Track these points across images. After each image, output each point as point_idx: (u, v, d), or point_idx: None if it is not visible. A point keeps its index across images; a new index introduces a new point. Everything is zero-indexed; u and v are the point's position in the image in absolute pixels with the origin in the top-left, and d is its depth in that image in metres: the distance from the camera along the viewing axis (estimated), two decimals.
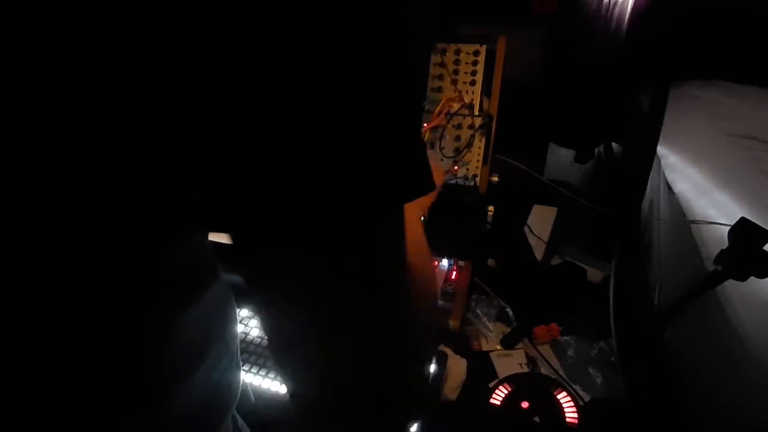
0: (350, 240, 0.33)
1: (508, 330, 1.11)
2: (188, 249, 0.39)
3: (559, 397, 0.94)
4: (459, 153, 1.22)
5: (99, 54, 0.26)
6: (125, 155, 0.28)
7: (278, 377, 0.90)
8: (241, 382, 0.54)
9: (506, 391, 0.96)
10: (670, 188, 1.07)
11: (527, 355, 1.06)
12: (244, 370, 0.92)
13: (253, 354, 0.96)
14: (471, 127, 1.20)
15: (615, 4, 1.34)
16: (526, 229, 1.35)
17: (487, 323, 1.11)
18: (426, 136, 1.22)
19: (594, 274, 1.24)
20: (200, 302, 0.42)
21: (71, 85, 0.27)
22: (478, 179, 1.23)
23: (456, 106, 1.20)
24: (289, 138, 0.29)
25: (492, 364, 1.04)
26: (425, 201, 0.90)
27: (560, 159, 1.56)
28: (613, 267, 1.15)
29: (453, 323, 1.08)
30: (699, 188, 1.00)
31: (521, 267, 1.28)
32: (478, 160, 1.22)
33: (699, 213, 0.95)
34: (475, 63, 1.18)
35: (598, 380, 0.99)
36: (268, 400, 0.89)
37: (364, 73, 0.29)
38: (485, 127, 1.19)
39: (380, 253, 0.36)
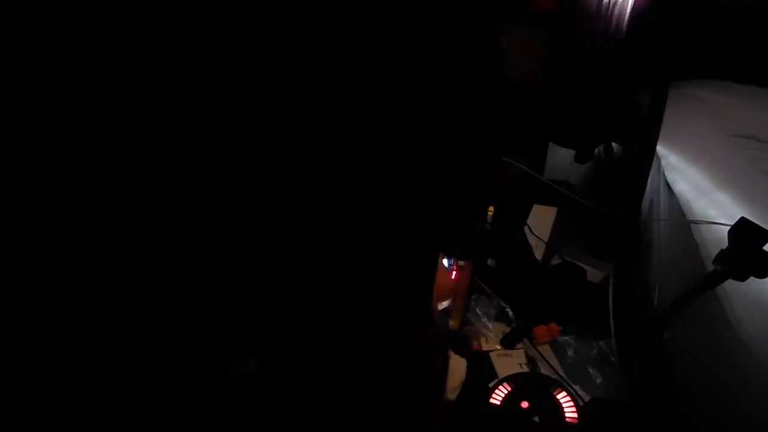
0: None
1: (508, 330, 1.11)
2: None
3: (558, 396, 0.94)
4: None
5: None
6: None
7: None
8: None
9: (506, 391, 0.96)
10: (670, 188, 1.07)
11: (527, 355, 1.06)
12: None
13: None
14: None
15: (615, 3, 1.33)
16: (526, 229, 1.35)
17: (487, 323, 1.11)
18: None
19: (594, 274, 1.24)
20: None
21: None
22: None
23: None
24: None
25: (492, 364, 1.04)
26: None
27: (560, 159, 1.56)
28: (613, 267, 1.15)
29: (453, 323, 1.08)
30: (699, 188, 1.00)
31: (521, 267, 1.28)
32: None
33: (699, 213, 0.94)
34: None
35: (598, 380, 0.99)
36: None
37: None
38: None
39: None
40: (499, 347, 1.08)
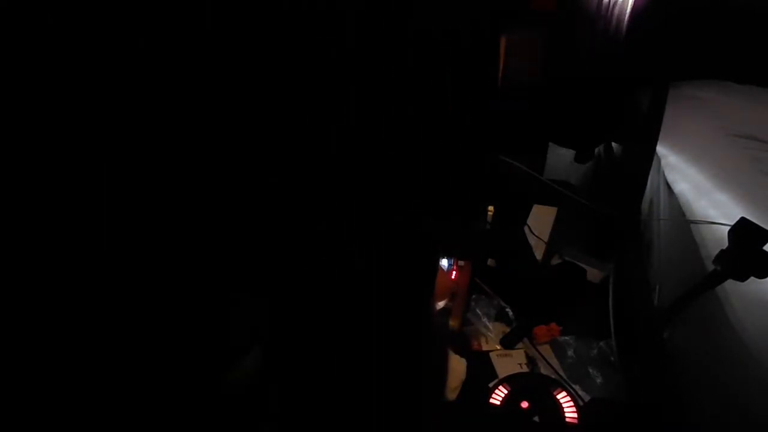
0: None
1: (508, 330, 1.11)
2: None
3: (558, 397, 0.94)
4: None
5: None
6: None
7: None
8: None
9: (506, 391, 0.96)
10: (670, 188, 1.07)
11: (527, 355, 1.06)
12: None
13: None
14: None
15: (615, 3, 1.33)
16: (526, 229, 1.35)
17: (487, 323, 1.11)
18: None
19: (594, 274, 1.24)
20: None
21: None
22: None
23: None
24: None
25: (492, 364, 1.04)
26: None
27: (560, 159, 1.56)
28: (613, 267, 1.15)
29: (453, 323, 1.08)
30: (699, 188, 1.00)
31: (521, 267, 1.28)
32: None
33: (699, 213, 0.94)
34: None
35: (598, 380, 0.99)
36: None
37: None
38: None
39: None
40: (499, 347, 1.08)
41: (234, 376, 0.57)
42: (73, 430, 0.46)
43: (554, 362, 1.04)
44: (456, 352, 1.03)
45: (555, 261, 1.31)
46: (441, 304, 1.10)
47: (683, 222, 0.95)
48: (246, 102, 0.43)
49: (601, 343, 1.05)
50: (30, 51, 0.28)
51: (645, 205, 1.21)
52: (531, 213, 1.41)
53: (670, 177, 1.09)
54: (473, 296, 1.16)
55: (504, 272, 1.26)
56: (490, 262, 1.28)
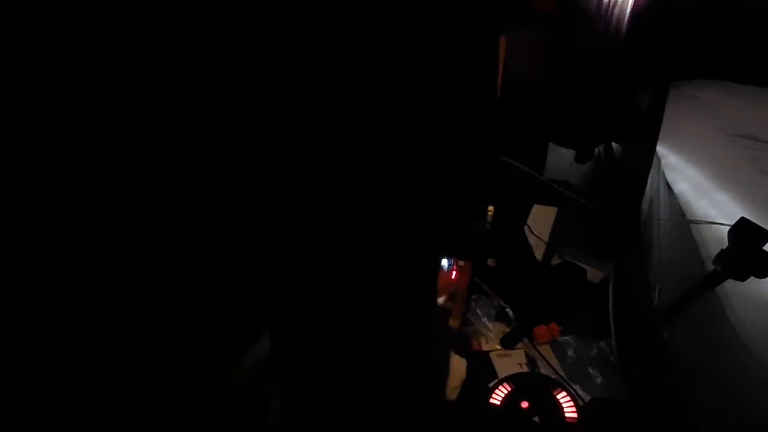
0: None
1: (508, 330, 1.11)
2: None
3: (558, 396, 0.94)
4: None
5: None
6: None
7: None
8: None
9: (506, 391, 0.96)
10: (670, 188, 1.07)
11: (527, 355, 1.06)
12: None
13: None
14: None
15: (615, 3, 1.33)
16: (526, 229, 1.35)
17: (487, 323, 1.11)
18: None
19: (594, 274, 1.24)
20: None
21: None
22: None
23: None
24: None
25: (492, 364, 1.04)
26: None
27: (560, 159, 1.56)
28: (613, 267, 1.15)
29: (453, 323, 1.08)
30: (699, 188, 1.00)
31: (521, 267, 1.28)
32: None
33: (699, 213, 0.94)
34: None
35: (598, 380, 0.99)
36: None
37: None
38: None
39: None
40: (499, 347, 1.08)
41: (234, 376, 0.57)
42: (73, 430, 0.46)
43: (554, 362, 1.04)
44: (456, 352, 1.03)
45: (555, 261, 1.31)
46: (441, 301, 1.10)
47: (683, 222, 0.95)
48: (246, 102, 0.44)
49: (601, 343, 1.05)
50: (30, 51, 0.28)
51: (645, 205, 1.21)
52: (531, 213, 1.41)
53: (670, 177, 1.09)
54: (473, 296, 1.16)
55: (504, 272, 1.26)
56: (490, 262, 1.28)
